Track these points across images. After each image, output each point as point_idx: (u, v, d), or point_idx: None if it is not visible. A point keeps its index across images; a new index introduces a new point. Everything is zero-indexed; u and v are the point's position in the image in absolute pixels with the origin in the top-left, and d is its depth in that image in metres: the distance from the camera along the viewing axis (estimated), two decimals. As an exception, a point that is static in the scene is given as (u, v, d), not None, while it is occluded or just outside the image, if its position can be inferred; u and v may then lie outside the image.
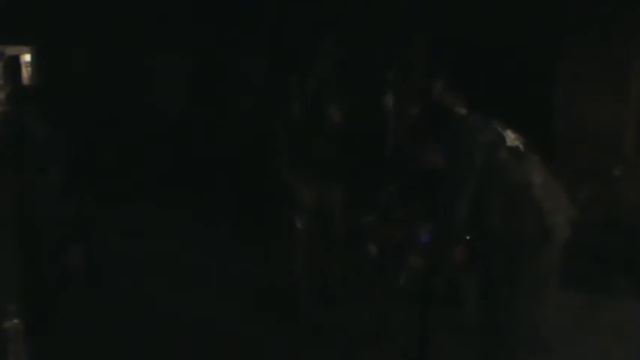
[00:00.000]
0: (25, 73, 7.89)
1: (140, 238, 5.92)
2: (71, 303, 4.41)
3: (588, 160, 5.43)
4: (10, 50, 7.75)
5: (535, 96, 5.62)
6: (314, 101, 4.20)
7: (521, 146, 2.81)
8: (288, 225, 4.36)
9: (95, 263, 4.94)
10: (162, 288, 4.81)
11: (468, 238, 2.81)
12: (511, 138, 2.81)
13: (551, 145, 5.45)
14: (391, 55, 5.14)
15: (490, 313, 2.87)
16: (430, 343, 3.46)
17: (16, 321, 2.07)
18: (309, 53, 4.25)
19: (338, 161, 4.35)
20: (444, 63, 3.30)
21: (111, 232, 5.78)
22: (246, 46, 7.46)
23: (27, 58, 7.84)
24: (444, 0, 5.99)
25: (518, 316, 2.80)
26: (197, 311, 4.38)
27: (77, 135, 7.06)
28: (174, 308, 4.42)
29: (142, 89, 7.76)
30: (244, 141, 7.20)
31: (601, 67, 5.53)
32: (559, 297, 3.11)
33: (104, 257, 5.20)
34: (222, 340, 3.99)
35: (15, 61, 7.76)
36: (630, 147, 5.55)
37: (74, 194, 4.76)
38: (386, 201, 3.10)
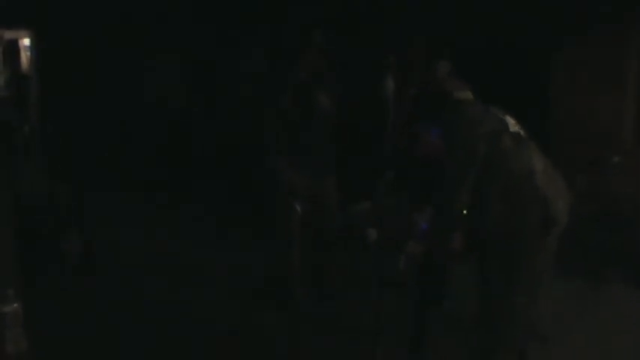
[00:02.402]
0: (24, 57, 7.79)
1: (140, 237, 5.91)
2: (71, 302, 4.41)
3: (586, 150, 5.43)
4: (9, 34, 7.65)
5: (534, 95, 5.62)
6: (304, 89, 4.20)
7: (521, 132, 2.80)
8: (278, 213, 4.33)
9: (93, 248, 4.96)
10: (163, 287, 4.80)
11: (467, 225, 2.79)
12: (512, 123, 2.80)
13: (548, 134, 5.45)
14: (391, 52, 5.17)
15: (489, 304, 2.86)
16: (427, 340, 3.45)
17: (15, 305, 2.06)
18: (298, 44, 4.26)
19: (330, 150, 4.34)
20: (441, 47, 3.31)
21: (111, 232, 5.77)
22: (246, 46, 7.47)
23: (26, 42, 7.74)
24: (444, 0, 6.01)
25: (517, 307, 2.79)
26: (197, 311, 4.37)
27: (77, 135, 7.12)
28: (174, 308, 4.41)
29: (142, 89, 7.76)
30: (244, 140, 7.19)
31: (601, 66, 5.54)
32: (554, 287, 3.11)
33: (104, 257, 5.19)
34: (222, 339, 3.99)
35: (14, 46, 7.67)
36: (628, 137, 5.56)
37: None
38: (384, 187, 3.08)
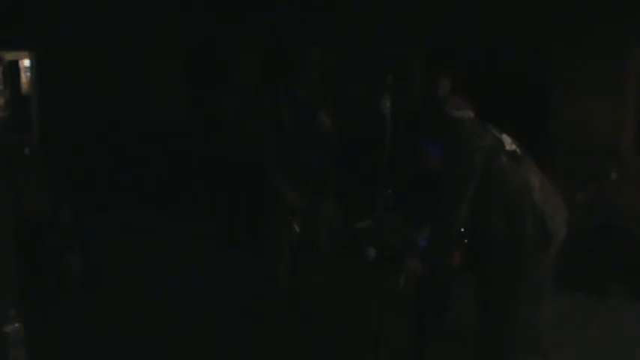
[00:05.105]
0: (24, 78, 7.85)
1: (139, 241, 5.92)
2: (71, 305, 4.42)
3: (585, 162, 5.44)
4: (9, 55, 7.72)
5: (533, 97, 5.63)
6: (302, 108, 4.17)
7: (518, 150, 2.82)
8: (275, 227, 4.28)
9: (95, 266, 4.95)
10: (162, 289, 4.82)
11: (465, 241, 2.81)
12: (508, 142, 2.82)
13: (547, 147, 5.46)
14: (390, 57, 5.18)
15: (489, 319, 2.87)
16: (427, 349, 3.45)
17: (17, 325, 2.08)
18: (298, 61, 4.21)
19: (327, 169, 4.25)
20: (442, 65, 3.29)
21: (110, 235, 5.77)
22: (244, 47, 7.46)
23: (26, 63, 7.79)
24: (444, 1, 6.00)
25: (518, 321, 2.81)
26: (197, 311, 4.39)
27: (77, 136, 7.14)
28: (174, 309, 4.43)
29: (142, 89, 7.77)
30: (243, 142, 7.19)
31: (600, 68, 5.54)
32: (554, 299, 3.12)
33: (103, 261, 5.20)
34: (222, 340, 4.00)
35: (14, 67, 7.73)
36: (628, 149, 5.56)
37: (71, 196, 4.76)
38: (383, 204, 3.08)
